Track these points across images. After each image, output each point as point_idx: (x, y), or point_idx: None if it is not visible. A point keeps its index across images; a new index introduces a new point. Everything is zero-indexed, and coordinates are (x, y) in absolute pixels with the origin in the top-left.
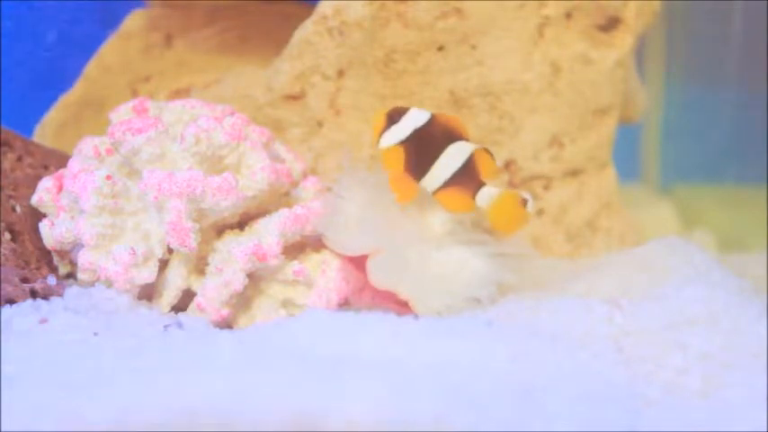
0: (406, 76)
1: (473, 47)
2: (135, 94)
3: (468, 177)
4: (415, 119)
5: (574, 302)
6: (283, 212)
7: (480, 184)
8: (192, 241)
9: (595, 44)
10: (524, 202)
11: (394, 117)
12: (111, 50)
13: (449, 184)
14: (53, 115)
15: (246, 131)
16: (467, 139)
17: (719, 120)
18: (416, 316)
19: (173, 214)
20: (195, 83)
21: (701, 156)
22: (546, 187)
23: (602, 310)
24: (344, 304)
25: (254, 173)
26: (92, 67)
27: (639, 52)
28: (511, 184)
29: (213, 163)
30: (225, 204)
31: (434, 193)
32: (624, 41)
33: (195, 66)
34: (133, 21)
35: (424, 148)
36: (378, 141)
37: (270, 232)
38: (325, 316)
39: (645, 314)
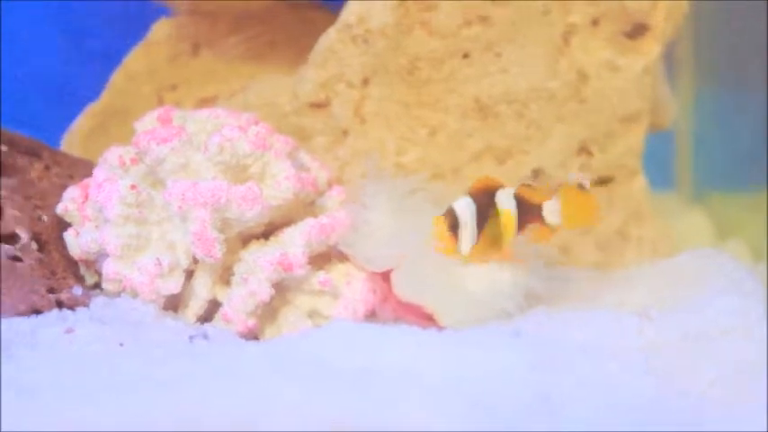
0: (431, 84)
1: (498, 54)
2: (161, 102)
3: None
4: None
5: (604, 314)
6: (309, 222)
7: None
8: (218, 251)
9: (622, 51)
10: (582, 187)
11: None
12: (136, 59)
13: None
14: (80, 124)
15: (271, 141)
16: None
17: (752, 125)
18: (441, 328)
19: (197, 224)
20: (221, 91)
21: (734, 163)
22: None
23: (633, 322)
24: (371, 315)
25: (279, 182)
26: (118, 77)
27: (669, 58)
28: None
29: (237, 172)
30: (249, 214)
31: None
32: (651, 48)
33: (221, 74)
34: (159, 29)
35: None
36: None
37: (295, 242)
38: (351, 327)
39: (676, 325)
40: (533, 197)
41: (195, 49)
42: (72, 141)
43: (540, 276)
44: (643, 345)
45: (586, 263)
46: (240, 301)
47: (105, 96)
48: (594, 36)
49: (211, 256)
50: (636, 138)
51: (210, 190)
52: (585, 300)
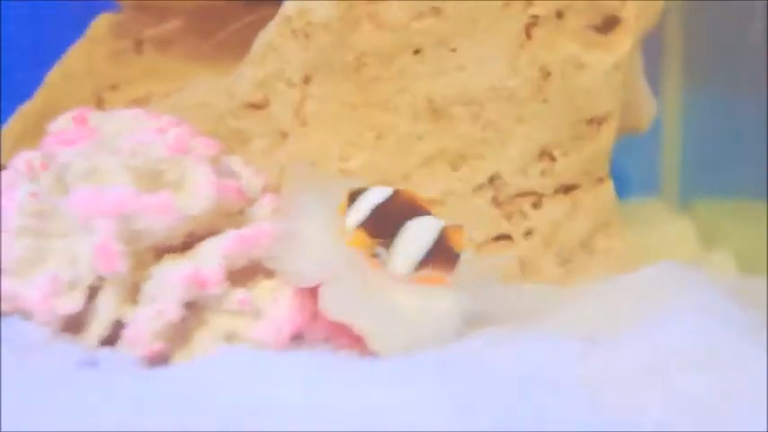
0: (380, 83)
1: (453, 50)
2: (100, 102)
3: (442, 255)
4: (373, 197)
5: (545, 339)
6: (228, 234)
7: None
8: (121, 266)
9: (590, 46)
10: None
11: (354, 197)
12: (75, 56)
13: (423, 265)
14: (11, 126)
15: (193, 144)
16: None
17: (743, 131)
18: (367, 353)
19: (100, 236)
20: (156, 91)
21: (722, 169)
22: (535, 205)
23: (576, 348)
24: (297, 337)
25: (198, 190)
26: (53, 75)
27: (651, 55)
28: (496, 202)
29: (152, 179)
30: (160, 225)
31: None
32: (622, 43)
33: (167, 74)
34: (99, 25)
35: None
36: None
37: (211, 256)
38: (247, 355)
39: (625, 352)
40: (457, 243)
41: (139, 46)
42: (1, 144)
43: (489, 295)
44: (587, 374)
45: (546, 278)
46: (145, 322)
47: (39, 96)
48: (559, 30)
49: (114, 272)
50: (604, 141)
51: (116, 198)
52: (535, 321)
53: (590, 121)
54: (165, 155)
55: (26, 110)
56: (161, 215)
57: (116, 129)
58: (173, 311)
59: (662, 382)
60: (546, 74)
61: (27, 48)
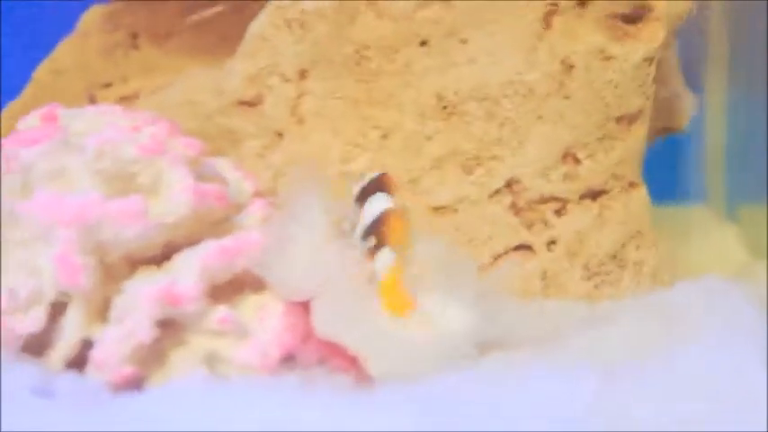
0: (383, 77)
1: (463, 41)
2: (93, 100)
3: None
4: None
5: (560, 370)
6: (207, 245)
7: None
8: (84, 279)
9: (617, 36)
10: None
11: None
12: (65, 51)
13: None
14: None
15: (170, 144)
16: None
17: None
18: (365, 379)
19: (61, 246)
20: (144, 87)
21: None
22: (558, 212)
23: (593, 382)
24: (288, 359)
25: (173, 195)
26: (41, 72)
27: (700, 57)
28: (515, 209)
29: (122, 183)
30: (128, 234)
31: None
32: (654, 33)
33: (165, 69)
34: (91, 17)
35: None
36: None
37: (187, 269)
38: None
39: (647, 389)
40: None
41: (134, 39)
42: None
43: (505, 314)
44: (601, 412)
45: (571, 294)
46: (113, 342)
47: (26, 94)
48: (583, 18)
49: (77, 285)
50: (635, 141)
51: (78, 204)
52: (554, 345)
53: (619, 120)
54: (137, 156)
55: (12, 108)
56: (130, 223)
57: (85, 127)
58: (144, 331)
59: (687, 426)
60: (568, 67)
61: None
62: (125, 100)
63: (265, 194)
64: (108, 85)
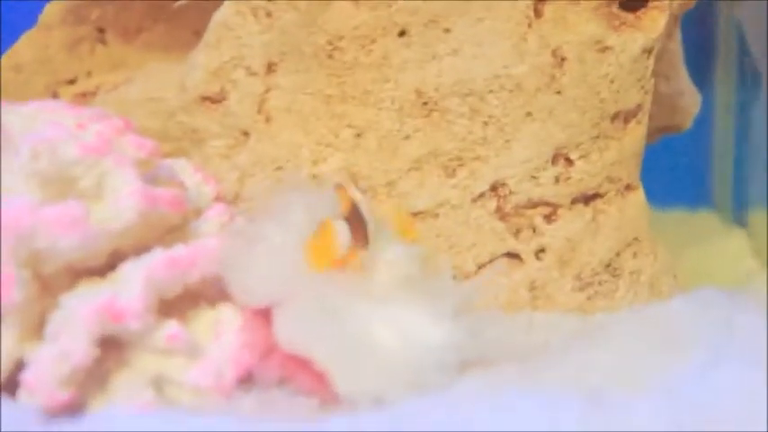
0: (358, 70)
1: (446, 30)
2: (56, 97)
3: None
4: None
5: (542, 393)
6: (154, 255)
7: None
8: (16, 293)
9: (614, 25)
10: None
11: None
12: (25, 46)
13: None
14: None
15: (118, 144)
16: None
17: None
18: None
19: None
20: (105, 83)
21: None
22: (548, 218)
23: (574, 412)
24: (246, 380)
25: (119, 200)
26: (1, 67)
27: (709, 51)
28: (500, 214)
29: (62, 186)
30: (69, 243)
31: None
32: (655, 22)
33: (135, 66)
34: (54, 10)
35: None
36: None
37: (131, 281)
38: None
39: (640, 415)
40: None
41: (100, 34)
42: None
43: (489, 328)
44: None
45: (562, 306)
46: (47, 364)
47: None
48: (576, 6)
49: (7, 300)
50: (632, 141)
51: (10, 210)
52: (540, 363)
53: (615, 117)
54: (77, 156)
55: None
56: (68, 230)
57: (21, 124)
58: (81, 351)
59: None
60: (560, 59)
61: None
62: (83, 97)
63: (229, 199)
64: (72, 82)
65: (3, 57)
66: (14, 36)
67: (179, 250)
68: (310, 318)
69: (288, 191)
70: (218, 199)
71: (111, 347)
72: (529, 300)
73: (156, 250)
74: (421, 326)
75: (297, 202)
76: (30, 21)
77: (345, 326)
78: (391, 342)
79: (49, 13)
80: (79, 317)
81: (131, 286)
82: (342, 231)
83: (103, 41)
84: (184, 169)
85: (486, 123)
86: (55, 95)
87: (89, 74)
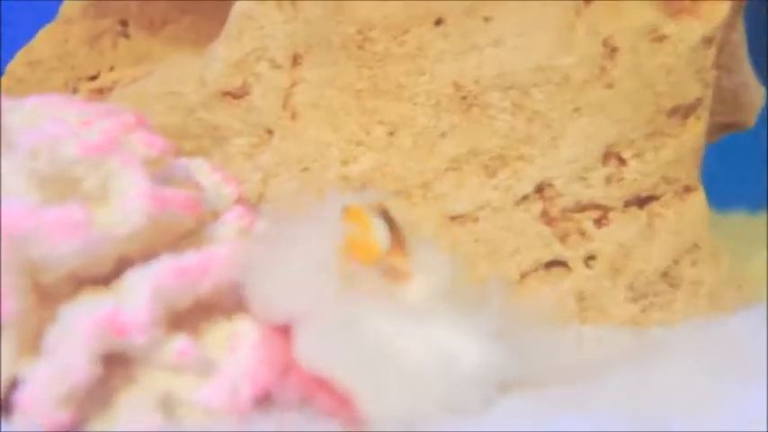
0: (391, 62)
1: (486, 19)
2: (76, 93)
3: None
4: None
5: (583, 421)
6: (162, 262)
7: None
8: (13, 304)
9: (670, 12)
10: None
11: None
12: (44, 40)
13: None
14: None
15: (126, 141)
16: None
17: None
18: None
19: None
20: (123, 78)
21: None
22: (599, 222)
23: None
24: (264, 399)
25: (125, 202)
26: (17, 63)
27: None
28: (547, 218)
29: (63, 187)
30: (70, 249)
31: None
32: (715, 9)
33: (159, 60)
34: (74, 3)
35: None
36: None
37: (136, 292)
38: None
39: None
40: None
41: (123, 27)
42: None
43: (532, 345)
44: None
45: (614, 319)
46: (45, 382)
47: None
48: None
49: (4, 312)
50: (691, 138)
51: (6, 213)
52: (588, 384)
53: (672, 112)
54: (80, 155)
55: None
56: (68, 236)
57: (22, 121)
58: (81, 368)
59: None
60: (611, 50)
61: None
62: (101, 92)
63: (252, 201)
64: (94, 78)
65: (19, 52)
66: (15, 36)
67: (189, 258)
68: (332, 334)
69: (315, 194)
70: (239, 201)
71: (117, 364)
72: (577, 312)
73: (164, 258)
74: (457, 342)
75: (325, 206)
76: (30, 21)
77: (372, 343)
78: (424, 360)
79: (69, 5)
80: (78, 331)
81: (136, 297)
82: (380, 226)
83: (126, 35)
84: (201, 169)
85: (530, 119)
86: (75, 91)
87: (111, 69)
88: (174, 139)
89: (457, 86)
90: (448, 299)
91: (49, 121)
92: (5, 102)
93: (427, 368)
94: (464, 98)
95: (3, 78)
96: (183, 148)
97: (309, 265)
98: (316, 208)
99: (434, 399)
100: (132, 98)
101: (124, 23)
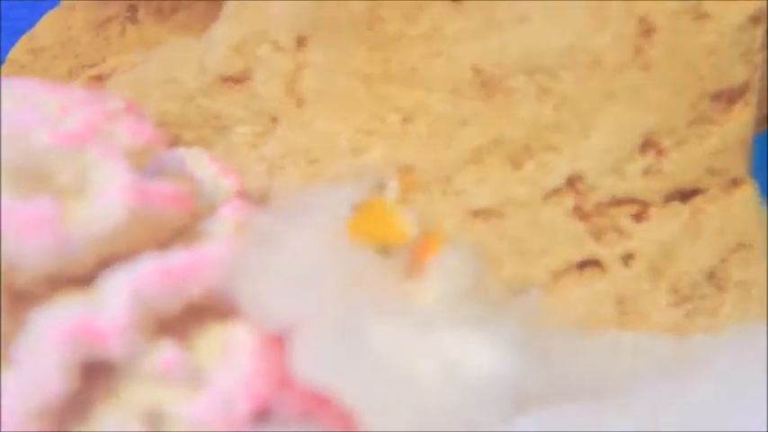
0: (404, 44)
1: None
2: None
3: None
4: None
5: None
6: (143, 263)
7: None
8: None
9: None
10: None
11: None
12: (46, 27)
13: None
14: None
15: (108, 130)
16: None
17: None
18: None
19: None
20: (122, 64)
21: None
22: (637, 217)
23: None
24: (263, 414)
25: (104, 196)
26: (19, 50)
27: None
28: (579, 213)
29: (37, 180)
30: (39, 249)
31: None
32: None
33: None
34: None
35: None
36: None
37: (114, 295)
38: None
39: None
40: None
41: (132, 13)
42: None
43: (562, 352)
44: None
45: (655, 324)
46: (14, 394)
47: None
48: None
49: None
50: (737, 126)
51: None
52: (624, 394)
53: (716, 97)
54: (52, 145)
55: None
56: (37, 233)
57: None
58: (53, 380)
59: None
60: (648, 28)
61: None
62: (99, 80)
63: (255, 195)
64: (98, 66)
65: (21, 38)
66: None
67: (176, 257)
68: (331, 343)
69: (312, 186)
70: (239, 195)
71: (97, 374)
72: (614, 317)
73: (147, 257)
74: (473, 351)
75: (321, 199)
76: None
77: (375, 352)
78: (434, 371)
79: None
80: (49, 338)
81: (114, 300)
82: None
83: (135, 21)
84: (199, 160)
85: (558, 106)
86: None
87: (119, 56)
88: (174, 128)
89: (477, 70)
90: (464, 302)
91: (22, 106)
92: None
93: (437, 382)
94: (485, 83)
95: (4, 66)
96: (184, 138)
97: (306, 265)
98: (315, 199)
99: (445, 414)
100: (130, 85)
101: (132, 9)
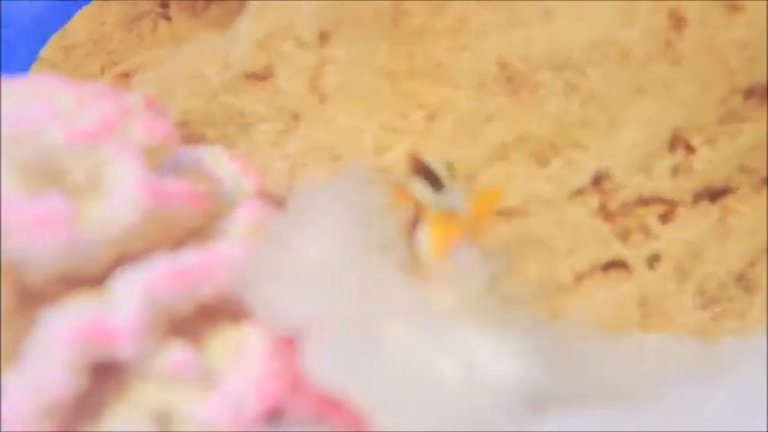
0: (429, 39)
1: None
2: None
3: None
4: None
5: None
6: (155, 263)
7: None
8: None
9: None
10: None
11: None
12: (79, 24)
13: None
14: None
15: (125, 126)
16: None
17: None
18: None
19: None
20: (148, 61)
21: None
22: (664, 218)
23: None
24: (275, 415)
25: (119, 195)
26: (50, 48)
27: None
28: (605, 213)
29: (50, 178)
30: (50, 248)
31: None
32: None
33: None
34: None
35: None
36: None
37: (126, 295)
38: None
39: None
40: None
41: (164, 9)
42: None
43: (584, 356)
44: None
45: (682, 327)
46: (22, 396)
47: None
48: None
49: None
50: None
51: None
52: (649, 399)
53: (748, 93)
54: (65, 141)
55: None
56: (50, 232)
57: (8, 105)
58: (61, 381)
59: None
60: (678, 21)
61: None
62: (126, 77)
63: (277, 194)
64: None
65: (53, 36)
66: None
67: (189, 257)
68: (344, 346)
69: (324, 185)
70: (259, 194)
71: (108, 375)
72: (639, 319)
73: (159, 257)
74: (490, 353)
75: (334, 198)
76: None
77: (389, 354)
78: (451, 373)
79: None
80: (58, 338)
81: (125, 301)
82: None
83: (167, 17)
84: (218, 158)
85: (585, 102)
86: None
87: (152, 53)
88: (198, 126)
89: (503, 65)
90: (483, 303)
91: (37, 103)
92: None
93: (453, 383)
94: (511, 78)
95: (35, 65)
96: (207, 136)
97: (318, 266)
98: (330, 195)
99: (460, 418)
100: (155, 82)
101: (165, 5)
